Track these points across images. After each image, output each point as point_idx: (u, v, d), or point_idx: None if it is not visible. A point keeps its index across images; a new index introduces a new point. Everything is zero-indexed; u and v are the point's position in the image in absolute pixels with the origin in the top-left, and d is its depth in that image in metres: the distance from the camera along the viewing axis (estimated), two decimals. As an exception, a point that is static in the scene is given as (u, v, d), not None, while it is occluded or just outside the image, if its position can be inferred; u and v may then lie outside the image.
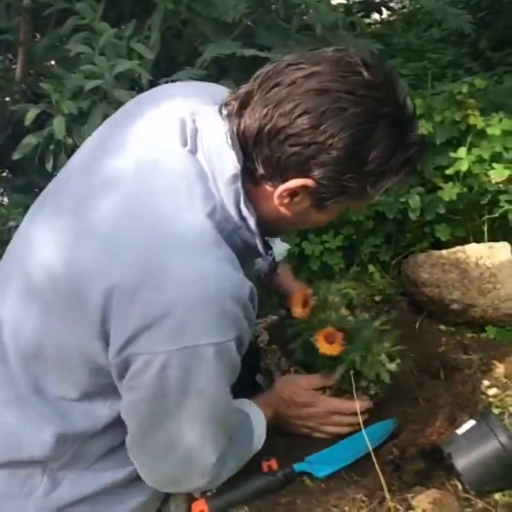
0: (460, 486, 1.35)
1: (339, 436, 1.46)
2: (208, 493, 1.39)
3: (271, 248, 1.27)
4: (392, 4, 3.87)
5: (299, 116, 1.05)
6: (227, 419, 1.20)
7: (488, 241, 1.86)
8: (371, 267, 1.95)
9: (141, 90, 1.90)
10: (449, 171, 1.89)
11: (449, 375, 1.62)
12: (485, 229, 1.90)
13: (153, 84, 1.90)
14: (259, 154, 1.10)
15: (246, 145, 1.11)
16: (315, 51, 1.11)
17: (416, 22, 3.98)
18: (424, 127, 1.95)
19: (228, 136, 1.12)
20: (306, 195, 1.13)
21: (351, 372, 1.41)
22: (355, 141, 1.05)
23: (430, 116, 2.01)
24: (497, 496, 1.32)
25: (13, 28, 1.97)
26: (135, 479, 1.28)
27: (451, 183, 1.88)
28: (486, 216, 1.90)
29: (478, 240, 1.89)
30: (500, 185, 1.82)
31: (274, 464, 1.40)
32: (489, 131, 1.89)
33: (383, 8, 3.54)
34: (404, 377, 1.59)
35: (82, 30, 1.91)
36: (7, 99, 2.04)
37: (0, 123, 1.96)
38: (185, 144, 1.15)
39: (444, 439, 1.38)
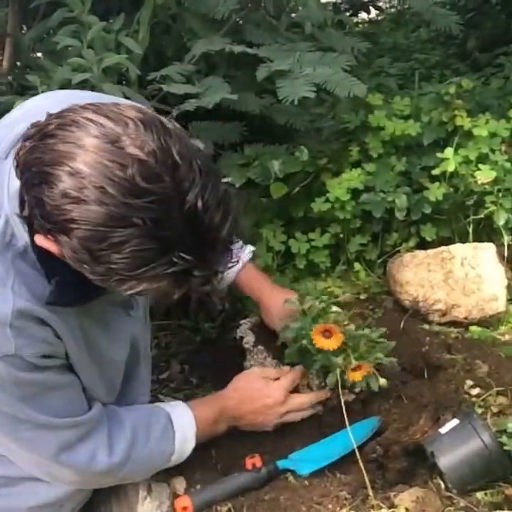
0: (443, 485, 1.35)
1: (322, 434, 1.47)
2: (192, 489, 1.39)
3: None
4: (380, 4, 3.88)
5: (49, 185, 0.93)
6: (35, 425, 1.18)
7: (473, 242, 1.87)
8: (357, 266, 1.95)
9: (128, 84, 1.89)
10: (435, 171, 1.90)
11: (433, 375, 1.63)
12: (470, 230, 1.91)
13: (141, 78, 1.89)
14: (24, 192, 1.00)
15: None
16: (122, 112, 0.96)
17: (404, 22, 4.00)
18: (411, 128, 1.96)
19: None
20: None
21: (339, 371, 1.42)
22: (91, 238, 0.93)
23: (418, 117, 2.02)
24: (479, 494, 1.33)
25: (0, 20, 1.95)
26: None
27: (437, 184, 1.89)
28: (472, 217, 1.91)
29: (463, 240, 1.90)
30: (486, 187, 1.83)
31: (257, 460, 1.40)
32: (476, 132, 1.90)
33: (371, 8, 3.55)
34: (388, 376, 1.59)
35: (70, 22, 1.89)
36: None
37: (-15, 115, 1.94)
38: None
39: (427, 437, 1.38)
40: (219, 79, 1.92)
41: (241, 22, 2.07)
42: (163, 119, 0.98)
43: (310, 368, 1.47)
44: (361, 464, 1.33)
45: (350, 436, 1.35)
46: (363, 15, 3.65)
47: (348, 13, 3.28)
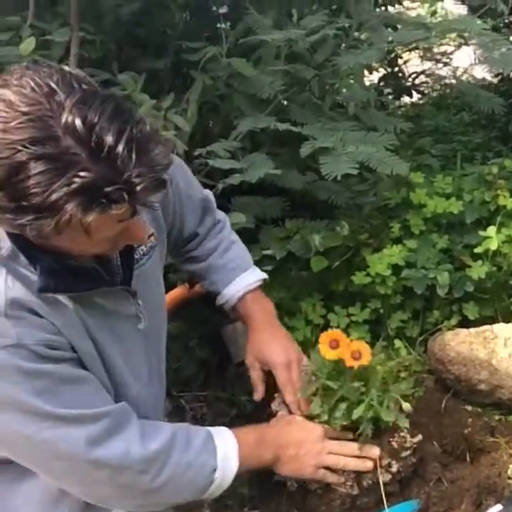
0: None
1: None
2: None
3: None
4: (422, 88, 3.97)
5: None
6: (56, 421, 1.14)
7: (517, 322, 1.84)
8: (398, 343, 1.92)
9: (176, 159, 1.95)
10: (478, 250, 1.89)
11: (475, 458, 1.59)
12: (514, 309, 1.88)
13: (188, 153, 1.95)
14: None
15: None
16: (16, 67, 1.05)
17: (446, 106, 4.06)
18: (453, 206, 1.97)
19: None
20: None
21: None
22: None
23: (460, 196, 2.03)
24: None
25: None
26: None
27: (480, 262, 1.88)
28: (515, 296, 1.88)
29: (507, 320, 1.87)
30: (530, 266, 1.82)
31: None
32: (519, 211, 1.90)
33: (414, 92, 3.63)
34: (429, 457, 1.55)
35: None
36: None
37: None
38: None
39: (469, 523, 1.34)
40: (263, 155, 1.96)
41: (286, 102, 2.13)
42: (52, 64, 1.06)
43: (333, 413, 1.42)
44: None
45: (389, 518, 1.31)
46: (406, 99, 3.73)
47: (390, 97, 3.36)
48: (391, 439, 1.44)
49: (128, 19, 2.13)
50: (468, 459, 1.58)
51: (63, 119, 0.97)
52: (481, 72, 3.94)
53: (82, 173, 0.97)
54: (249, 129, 1.97)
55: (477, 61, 2.21)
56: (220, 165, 1.83)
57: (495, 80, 3.89)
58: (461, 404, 1.74)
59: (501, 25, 3.12)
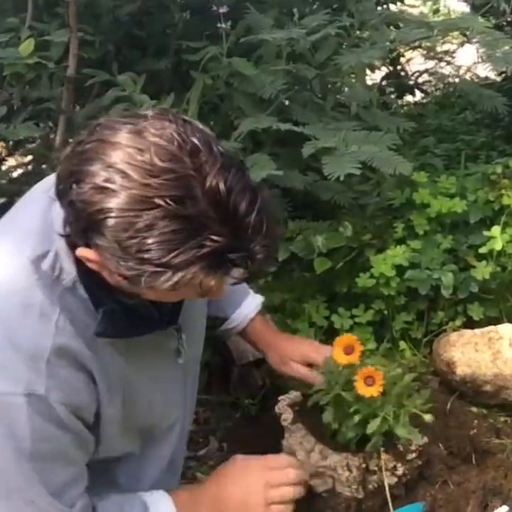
0: None
1: None
2: None
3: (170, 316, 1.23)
4: (425, 87, 3.95)
5: (79, 183, 0.98)
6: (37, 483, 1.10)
7: (522, 322, 1.83)
8: (402, 344, 1.91)
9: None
10: (482, 250, 1.88)
11: (481, 460, 1.57)
12: (519, 310, 1.87)
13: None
14: (62, 207, 1.04)
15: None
16: (142, 111, 1.03)
17: (449, 105, 4.04)
18: (457, 205, 1.95)
19: None
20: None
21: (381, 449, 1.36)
22: (119, 226, 0.95)
23: (464, 195, 2.01)
24: None
25: (55, 97, 2.04)
26: None
27: (484, 262, 1.87)
28: (520, 296, 1.87)
29: (512, 320, 1.86)
30: (535, 265, 1.80)
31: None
32: (524, 210, 1.89)
33: (416, 91, 3.62)
34: (434, 460, 1.53)
35: (122, 101, 1.96)
36: (45, 166, 2.10)
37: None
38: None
39: (476, 526, 1.32)
40: (265, 156, 1.95)
41: (287, 102, 2.12)
42: (189, 119, 1.03)
43: (346, 423, 1.40)
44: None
45: (394, 522, 1.29)
46: (409, 98, 3.72)
47: (393, 96, 3.35)
48: (397, 442, 1.42)
49: (127, 20, 2.13)
50: (474, 461, 1.56)
51: (207, 182, 0.96)
52: (484, 71, 3.93)
53: (213, 237, 0.96)
54: (251, 129, 1.95)
55: (480, 59, 2.19)
56: (222, 166, 1.81)
57: (498, 79, 3.88)
58: (467, 405, 1.73)
59: (504, 23, 3.10)
